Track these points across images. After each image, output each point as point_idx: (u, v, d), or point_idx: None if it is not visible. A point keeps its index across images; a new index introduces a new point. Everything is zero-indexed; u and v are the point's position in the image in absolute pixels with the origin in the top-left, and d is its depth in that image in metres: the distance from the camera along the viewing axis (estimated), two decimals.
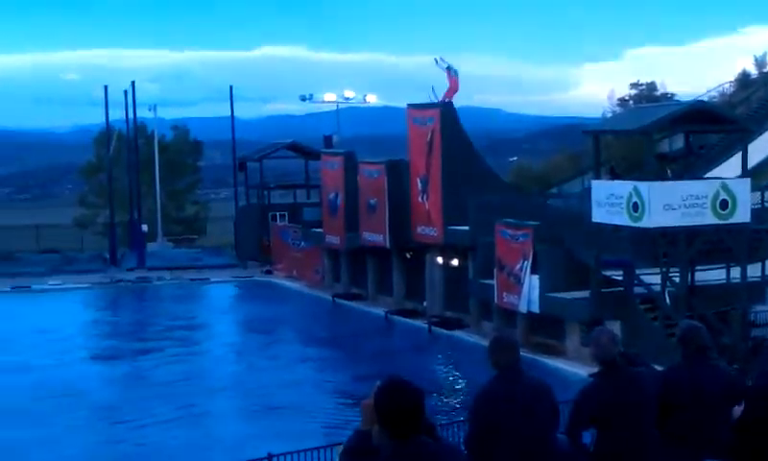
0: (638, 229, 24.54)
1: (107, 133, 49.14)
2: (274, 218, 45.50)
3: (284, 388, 24.43)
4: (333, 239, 37.79)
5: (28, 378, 25.35)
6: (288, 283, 41.18)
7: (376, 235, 34.82)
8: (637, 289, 25.50)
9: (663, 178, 27.07)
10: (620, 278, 25.75)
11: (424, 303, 33.06)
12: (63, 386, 24.58)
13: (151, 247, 47.50)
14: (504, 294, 27.95)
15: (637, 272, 25.55)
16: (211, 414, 22.73)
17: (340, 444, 15.12)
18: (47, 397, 23.51)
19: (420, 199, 32.92)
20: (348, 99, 55.39)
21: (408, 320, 32.76)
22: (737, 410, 7.13)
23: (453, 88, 34.95)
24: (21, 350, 29.02)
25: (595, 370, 6.80)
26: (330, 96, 54.89)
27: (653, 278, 25.46)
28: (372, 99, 58.00)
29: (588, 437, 6.85)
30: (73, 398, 23.68)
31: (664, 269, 25.37)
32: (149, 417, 22.12)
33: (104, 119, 49.03)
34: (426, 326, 31.36)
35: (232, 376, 26.39)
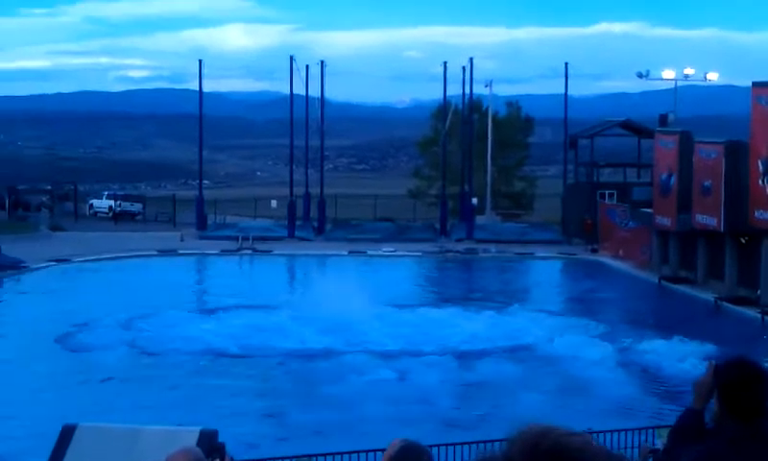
0: None
1: (444, 107, 50.72)
2: (602, 196, 45.03)
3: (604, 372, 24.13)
4: (663, 220, 36.82)
5: None
6: (613, 263, 40.65)
7: (710, 218, 33.53)
8: None
9: None
10: None
11: (758, 292, 31.43)
12: None
13: (479, 220, 48.61)
14: None
15: None
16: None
17: (662, 427, 14.91)
18: None
19: (760, 182, 31.23)
20: (687, 77, 53.34)
21: (739, 307, 31.33)
22: None
23: None
24: None
25: None
26: (668, 74, 53.14)
27: None
28: (714, 77, 55.33)
29: None
30: None
31: None
32: None
33: (440, 95, 50.78)
34: (759, 315, 29.81)
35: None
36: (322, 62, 48.83)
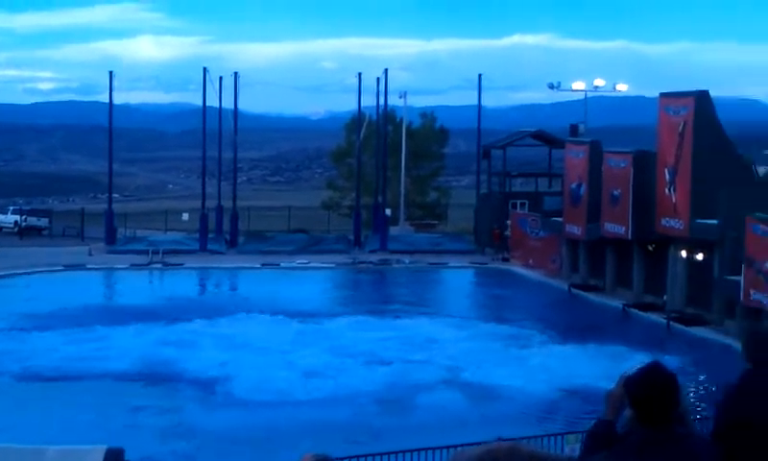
0: None
1: (358, 119, 50.69)
2: (514, 206, 45.48)
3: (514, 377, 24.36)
4: (574, 229, 37.31)
5: None
6: (524, 271, 41.08)
7: (618, 226, 34.07)
8: None
9: None
10: None
11: (664, 298, 32.05)
12: None
13: (393, 231, 48.65)
14: (751, 292, 26.56)
15: None
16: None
17: (569, 433, 14.97)
18: None
19: (666, 190, 31.87)
20: (597, 88, 54.33)
21: (646, 314, 31.91)
22: None
23: None
24: None
25: None
26: (579, 85, 54.06)
27: None
28: (623, 88, 56.44)
29: None
30: None
31: None
32: None
33: (355, 106, 50.66)
34: (665, 320, 30.38)
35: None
36: (235, 74, 48.38)
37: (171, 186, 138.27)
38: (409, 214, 54.54)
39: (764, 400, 5.97)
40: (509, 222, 44.15)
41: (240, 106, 50.48)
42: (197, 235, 46.87)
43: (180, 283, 39.01)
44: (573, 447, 14.30)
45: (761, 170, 35.04)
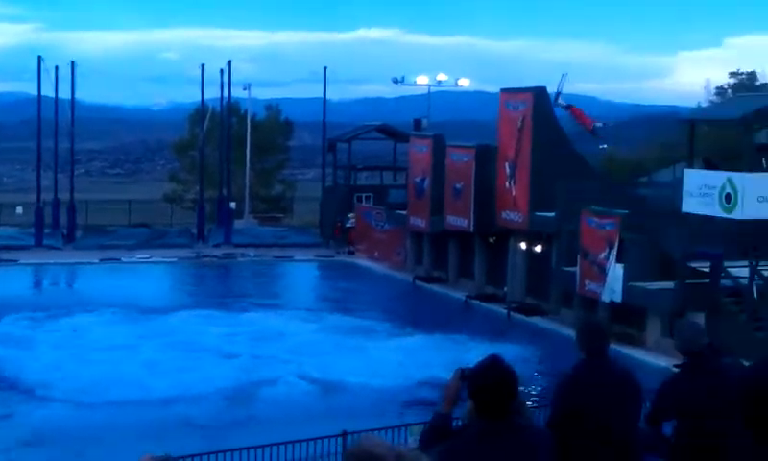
0: (730, 220, 23.90)
1: (201, 110, 49.87)
2: (359, 199, 45.68)
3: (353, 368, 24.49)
4: (418, 222, 37.78)
5: None
6: (369, 264, 41.34)
7: (461, 219, 34.69)
8: (724, 282, 24.84)
9: (759, 169, 26.29)
10: (707, 270, 25.12)
11: (505, 289, 32.86)
12: None
13: (238, 224, 48.09)
14: (586, 282, 27.53)
15: (726, 264, 24.88)
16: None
17: (413, 424, 15.10)
18: None
19: (506, 184, 32.66)
20: (440, 82, 55.03)
21: (487, 304, 32.63)
22: None
23: (582, 116, 35.42)
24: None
25: (680, 361, 6.66)
26: (422, 79, 54.62)
27: (741, 271, 24.76)
28: (465, 83, 57.34)
29: (668, 428, 6.70)
30: None
31: (753, 262, 24.65)
32: None
33: (198, 97, 49.79)
34: (506, 311, 31.14)
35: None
36: (72, 63, 46.72)
37: (6, 179, 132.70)
38: (254, 207, 54.02)
39: (597, 389, 6.12)
40: (351, 215, 44.37)
41: (78, 96, 48.81)
42: (32, 230, 45.08)
43: (14, 280, 37.38)
44: (417, 438, 14.45)
45: None
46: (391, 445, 3.58)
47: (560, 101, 35.57)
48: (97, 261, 40.93)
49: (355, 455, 3.44)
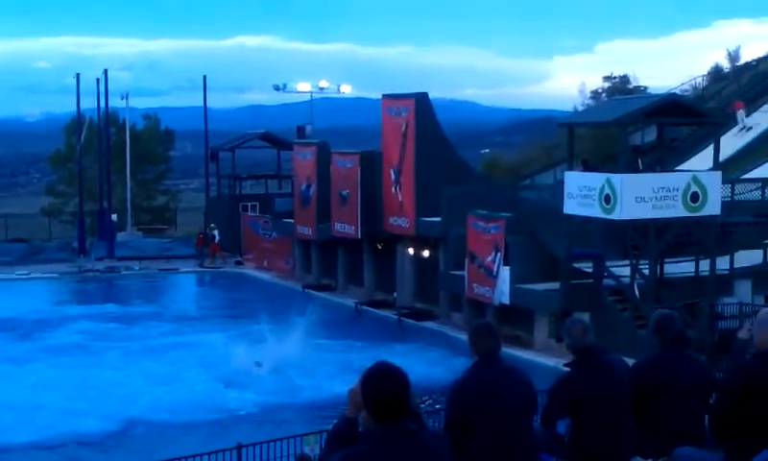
0: (610, 220, 24.55)
1: (78, 121, 48.63)
2: (245, 209, 45.29)
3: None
4: (305, 230, 37.64)
5: None
6: (258, 274, 41.00)
7: (348, 226, 34.69)
8: (607, 281, 25.52)
9: (635, 170, 27.10)
10: (590, 270, 25.77)
11: (394, 295, 33.00)
12: None
13: (120, 237, 47.10)
14: (474, 285, 27.90)
15: (608, 264, 25.57)
16: None
17: (311, 434, 15.02)
18: None
19: (392, 190, 32.82)
20: (322, 89, 54.94)
21: (378, 311, 32.68)
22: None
23: None
24: None
25: (569, 360, 6.76)
26: (304, 86, 54.45)
27: (623, 270, 25.49)
28: (347, 89, 57.41)
29: (562, 427, 6.81)
30: None
31: (634, 261, 25.41)
32: None
33: (74, 108, 48.58)
34: (396, 317, 31.27)
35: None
36: None
37: None
38: (137, 219, 52.90)
39: (491, 391, 6.20)
40: (213, 224, 43.88)
41: None
42: None
43: None
44: (313, 447, 14.37)
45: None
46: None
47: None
48: None
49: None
